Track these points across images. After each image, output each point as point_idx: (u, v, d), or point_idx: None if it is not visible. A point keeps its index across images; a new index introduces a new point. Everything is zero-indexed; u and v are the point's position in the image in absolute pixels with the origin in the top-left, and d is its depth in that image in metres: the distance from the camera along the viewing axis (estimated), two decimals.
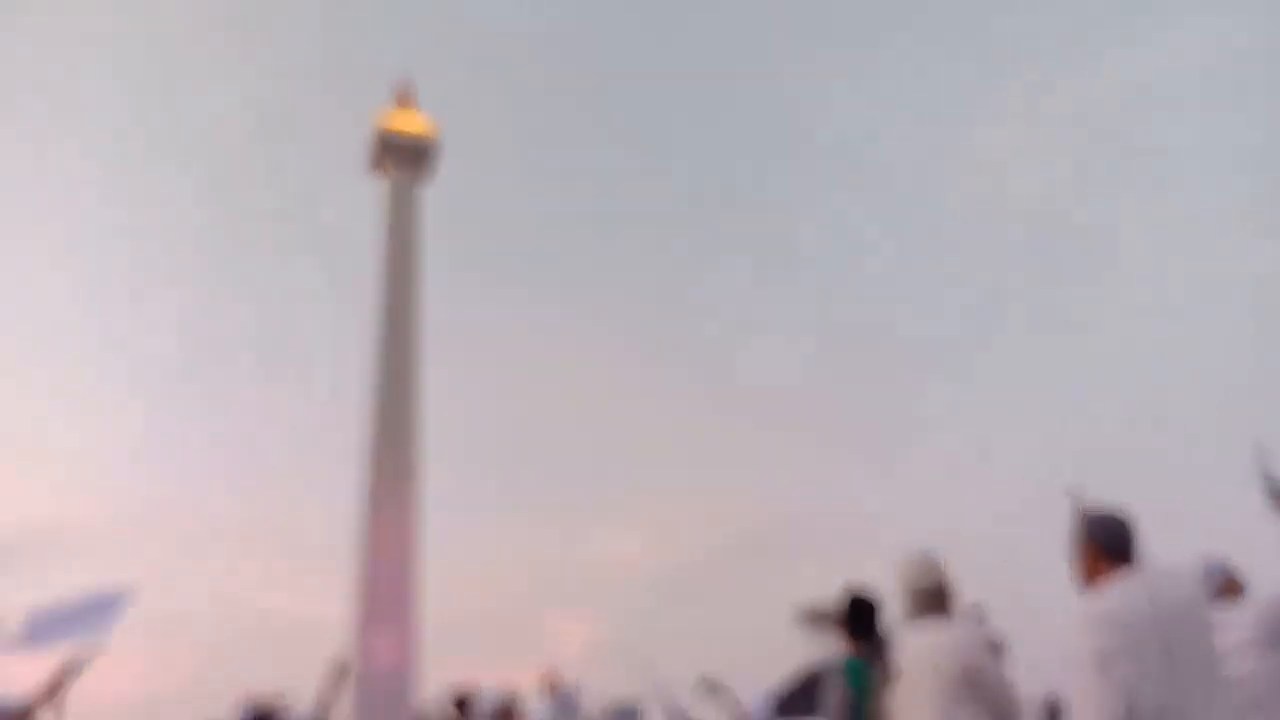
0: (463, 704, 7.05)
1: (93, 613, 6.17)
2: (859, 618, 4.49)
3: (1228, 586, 4.36)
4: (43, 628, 6.03)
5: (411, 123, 42.23)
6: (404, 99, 42.33)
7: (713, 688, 8.08)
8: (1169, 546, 3.60)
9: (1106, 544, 3.21)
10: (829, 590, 4.72)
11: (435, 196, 43.87)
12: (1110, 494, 3.52)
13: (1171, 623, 2.94)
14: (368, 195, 44.77)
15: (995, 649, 3.88)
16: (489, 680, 6.69)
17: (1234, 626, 4.12)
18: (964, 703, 3.47)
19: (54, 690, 5.49)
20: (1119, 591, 3.05)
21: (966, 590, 4.05)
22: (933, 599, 3.80)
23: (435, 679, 34.00)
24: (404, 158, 41.58)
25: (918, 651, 3.64)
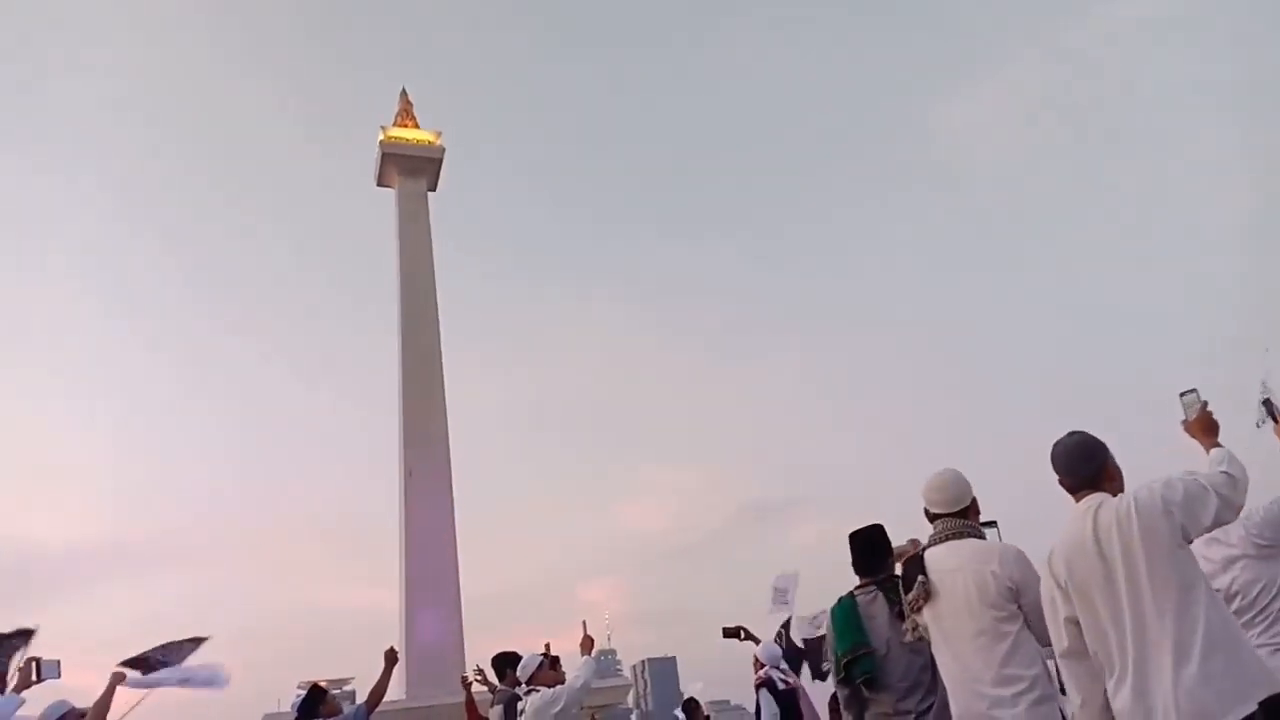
0: (504, 665, 6.99)
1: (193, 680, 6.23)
2: (857, 553, 4.44)
3: None
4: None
5: (415, 133, 44.14)
6: (406, 111, 44.21)
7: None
8: None
9: (1059, 474, 3.11)
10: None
11: (444, 199, 45.89)
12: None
13: (1112, 548, 2.80)
14: (380, 205, 46.78)
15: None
16: (529, 648, 6.72)
17: (1229, 541, 4.03)
18: (1011, 618, 3.40)
19: (107, 697, 5.42)
20: (1067, 525, 2.97)
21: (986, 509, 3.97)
22: (962, 517, 3.70)
23: (478, 651, 36.75)
24: (410, 167, 43.49)
25: (957, 569, 3.54)
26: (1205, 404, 3.32)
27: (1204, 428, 3.27)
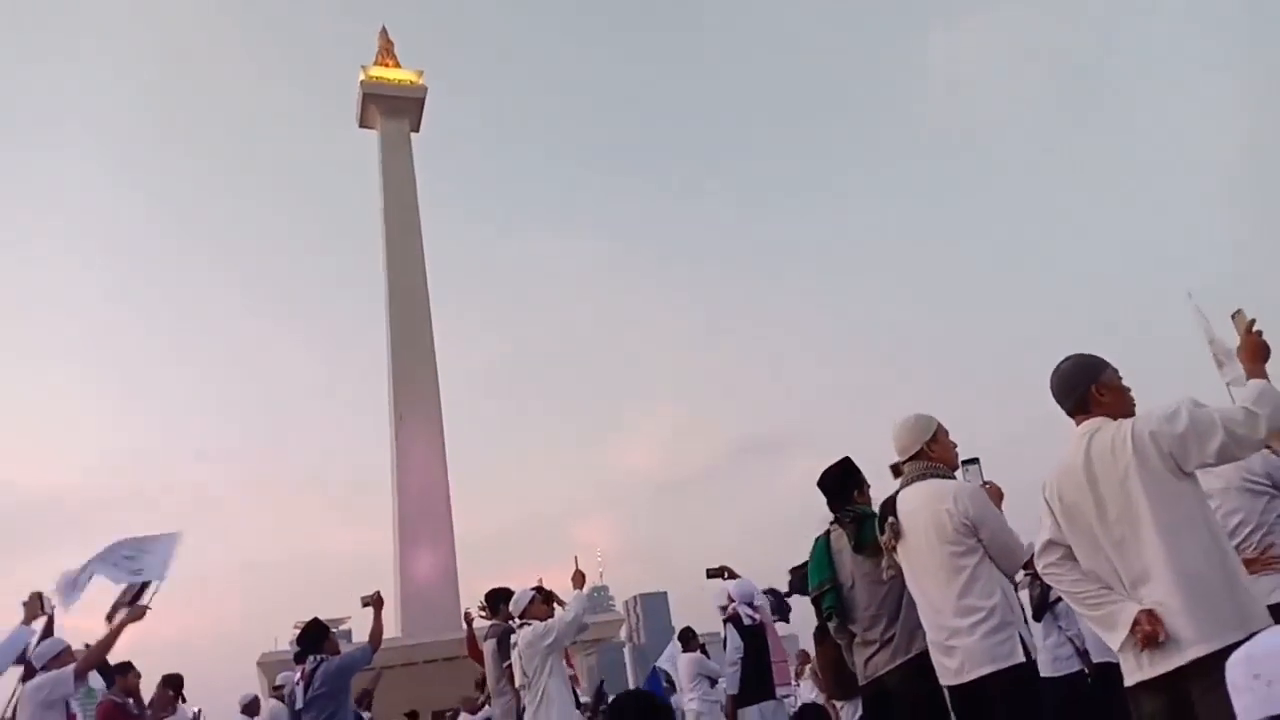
0: (497, 601, 7.01)
1: (148, 555, 5.82)
2: (825, 492, 4.53)
3: None
4: (99, 569, 5.62)
5: (396, 73, 43.33)
6: (386, 50, 43.32)
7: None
8: None
9: (1055, 399, 3.02)
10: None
11: (428, 141, 45.29)
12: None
13: (1106, 475, 2.73)
14: (364, 147, 46.11)
15: (995, 497, 3.83)
16: (523, 585, 6.70)
17: (1217, 470, 3.72)
18: (969, 552, 3.54)
19: (112, 639, 5.29)
20: (1066, 450, 2.90)
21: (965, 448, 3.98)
22: (927, 458, 3.81)
23: (472, 590, 37.28)
24: (392, 108, 42.79)
25: (919, 509, 3.67)
26: (1252, 323, 2.97)
27: (1249, 352, 2.92)
